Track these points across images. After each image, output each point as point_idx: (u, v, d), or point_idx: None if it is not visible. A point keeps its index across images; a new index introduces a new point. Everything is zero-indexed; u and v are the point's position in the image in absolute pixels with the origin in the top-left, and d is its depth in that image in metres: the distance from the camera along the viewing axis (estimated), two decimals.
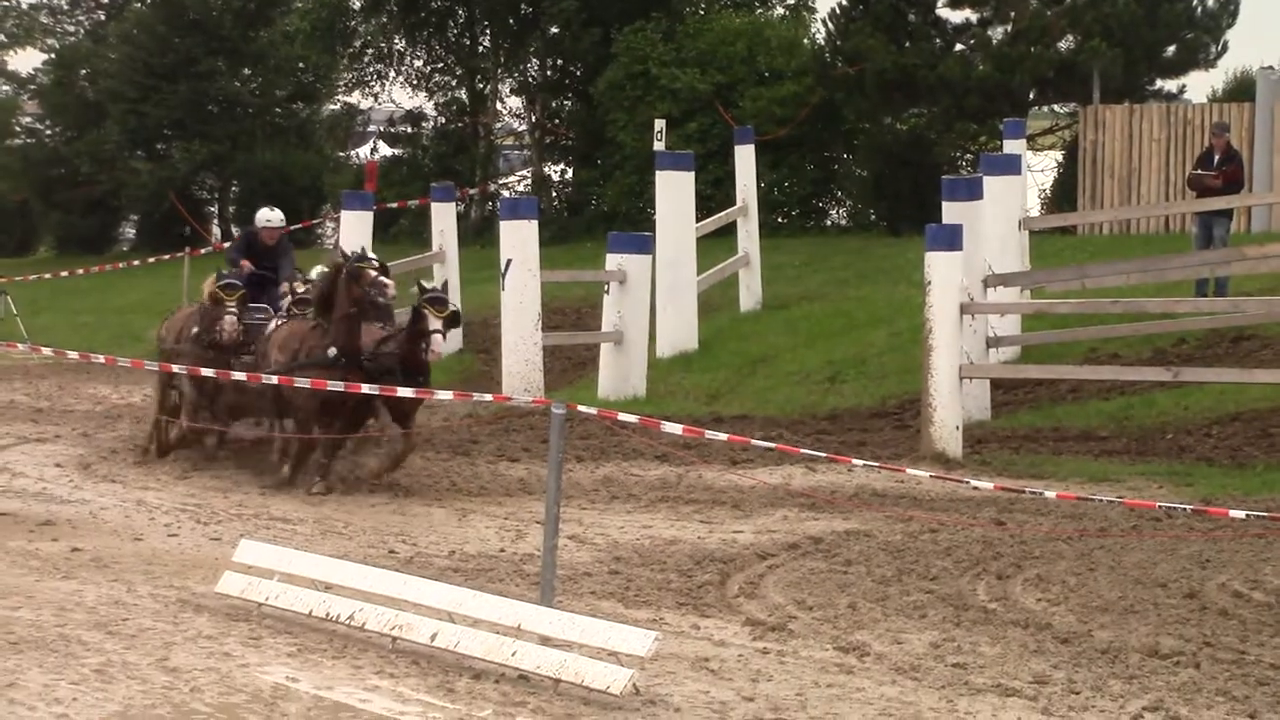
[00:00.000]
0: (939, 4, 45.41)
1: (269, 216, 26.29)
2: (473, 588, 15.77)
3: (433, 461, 24.79)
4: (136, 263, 47.17)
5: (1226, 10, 44.48)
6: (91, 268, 45.90)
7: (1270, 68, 40.59)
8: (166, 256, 43.71)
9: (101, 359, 25.83)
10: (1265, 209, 35.72)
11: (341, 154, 55.18)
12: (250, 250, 25.66)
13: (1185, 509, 17.77)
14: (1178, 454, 23.73)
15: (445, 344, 22.07)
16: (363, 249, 22.50)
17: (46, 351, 27.36)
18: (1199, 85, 45.16)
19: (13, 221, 56.45)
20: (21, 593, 16.74)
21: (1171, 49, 44.60)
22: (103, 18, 58.86)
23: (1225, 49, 44.76)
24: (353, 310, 20.56)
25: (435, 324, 20.70)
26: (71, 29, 59.92)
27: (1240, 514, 16.79)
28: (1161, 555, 19.03)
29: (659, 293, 31.28)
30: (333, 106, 56.19)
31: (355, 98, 55.35)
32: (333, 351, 20.33)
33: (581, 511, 20.50)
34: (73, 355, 26.13)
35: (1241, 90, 41.18)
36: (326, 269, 22.48)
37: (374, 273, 20.68)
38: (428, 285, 21.40)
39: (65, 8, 59.94)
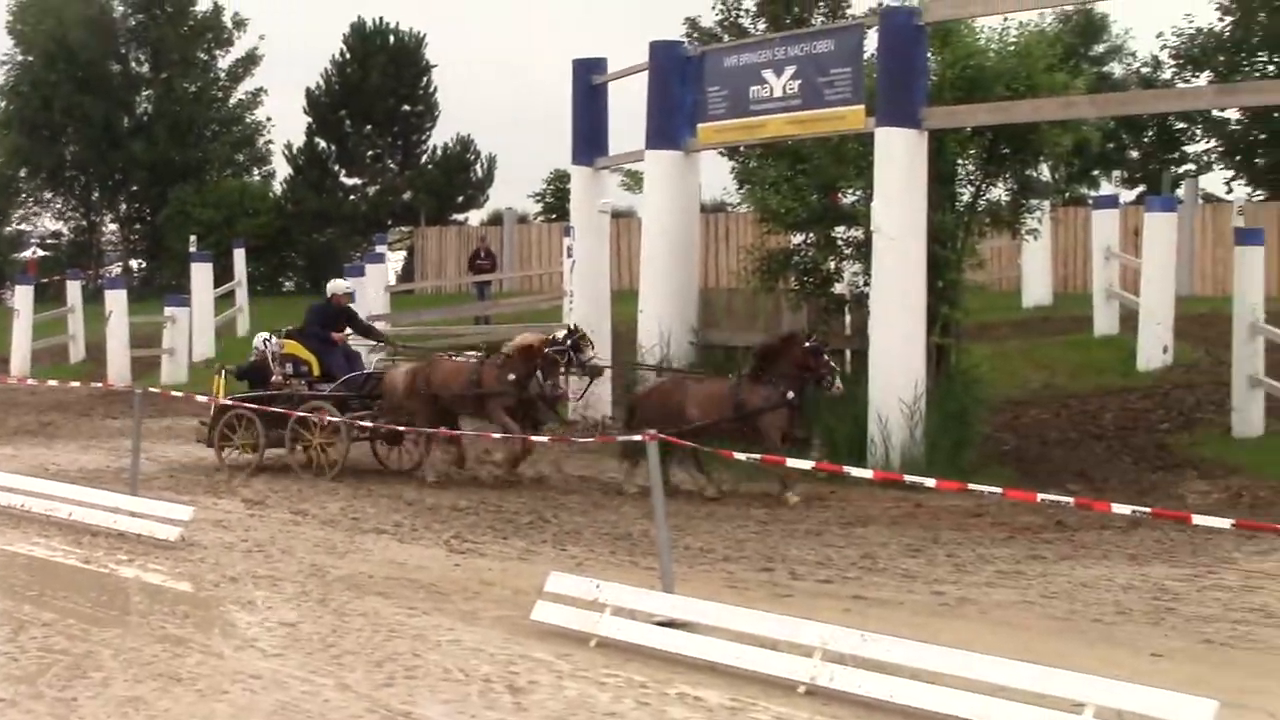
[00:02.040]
0: (341, 174, 44.96)
1: (347, 286, 20.22)
2: (92, 487, 15.19)
3: (69, 419, 23.83)
4: None
5: (490, 177, 44.93)
6: None
7: (510, 208, 41.00)
8: None
9: None
10: (513, 280, 36.14)
11: (15, 255, 52.44)
12: (331, 317, 18.91)
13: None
14: None
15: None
16: (819, 338, 16.57)
17: None
18: (475, 217, 45.16)
19: None
20: None
21: (461, 198, 44.84)
22: None
23: (488, 198, 45.25)
24: (804, 373, 16.13)
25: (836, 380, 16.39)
26: None
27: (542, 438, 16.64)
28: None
29: (195, 327, 30.58)
30: (10, 229, 53.41)
31: (24, 224, 52.92)
32: (791, 394, 16.08)
33: (153, 446, 19.79)
34: None
35: (496, 219, 41.51)
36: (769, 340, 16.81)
37: (826, 356, 16.33)
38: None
39: None
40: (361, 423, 17.79)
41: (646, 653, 9.31)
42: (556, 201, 40.64)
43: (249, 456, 18.06)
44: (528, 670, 9.01)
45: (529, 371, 16.94)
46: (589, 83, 22.31)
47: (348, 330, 19.07)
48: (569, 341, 17.15)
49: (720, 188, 38.90)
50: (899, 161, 17.18)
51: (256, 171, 48.92)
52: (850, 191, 19.42)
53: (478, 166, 45.05)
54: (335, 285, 19.78)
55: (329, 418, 17.51)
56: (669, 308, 19.95)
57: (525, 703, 8.38)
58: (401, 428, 17.02)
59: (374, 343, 20.06)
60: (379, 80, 43.85)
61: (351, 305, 20.19)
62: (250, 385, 18.75)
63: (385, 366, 19.08)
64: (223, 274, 34.02)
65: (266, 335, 19.12)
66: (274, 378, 18.48)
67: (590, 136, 22.40)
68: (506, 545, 13.41)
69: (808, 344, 16.21)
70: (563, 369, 17.20)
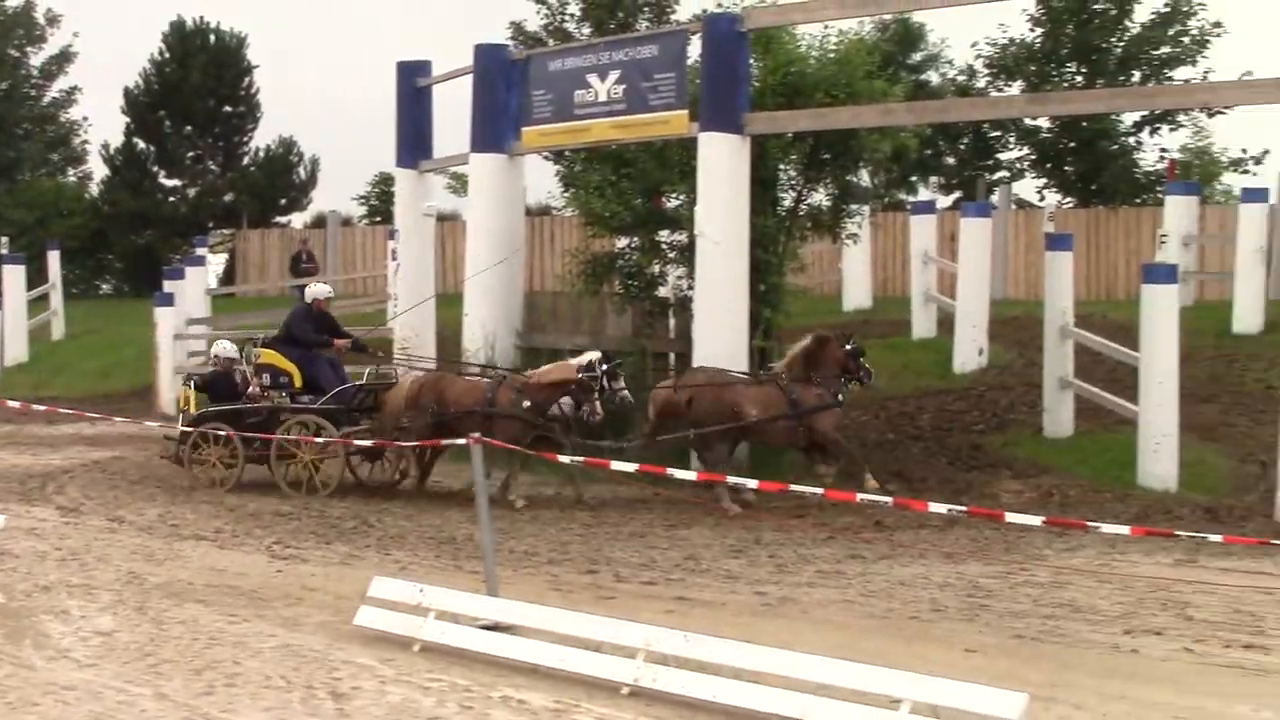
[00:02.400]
0: (160, 175, 43.98)
1: (328, 290, 18.43)
2: None
3: None
4: None
5: (313, 179, 44.26)
6: None
7: (334, 211, 40.39)
8: None
9: None
10: (336, 283, 35.41)
11: None
12: (314, 323, 17.59)
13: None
14: None
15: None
16: (857, 340, 16.63)
17: None
18: (298, 219, 44.29)
19: None
20: None
21: (284, 200, 44.16)
22: None
23: (311, 200, 44.57)
24: (844, 375, 16.08)
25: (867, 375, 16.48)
26: None
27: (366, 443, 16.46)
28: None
29: (7, 331, 29.82)
30: None
31: None
32: (841, 396, 16.03)
33: None
34: None
35: (320, 222, 40.83)
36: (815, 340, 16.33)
37: (864, 359, 16.30)
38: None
39: None
40: (359, 442, 16.38)
41: (471, 656, 9.28)
42: (381, 204, 40.22)
43: (226, 473, 16.89)
44: (350, 676, 8.92)
45: (548, 399, 16.10)
46: (413, 85, 22.22)
47: (347, 340, 17.72)
48: (604, 368, 16.21)
49: (545, 191, 38.80)
50: (722, 166, 17.34)
51: (72, 172, 47.65)
52: (674, 195, 19.55)
53: (301, 169, 44.40)
54: (317, 290, 18.20)
55: (323, 433, 16.34)
56: (494, 311, 19.91)
57: (348, 709, 8.30)
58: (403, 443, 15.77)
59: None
60: (199, 80, 43.05)
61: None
62: (211, 398, 17.46)
63: (380, 378, 17.63)
64: (36, 276, 33.08)
65: (227, 343, 17.99)
66: (251, 389, 17.21)
67: (415, 139, 22.33)
68: (329, 550, 13.28)
69: (849, 346, 16.29)
70: (597, 396, 16.06)
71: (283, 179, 44.12)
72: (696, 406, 16.02)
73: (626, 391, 16.52)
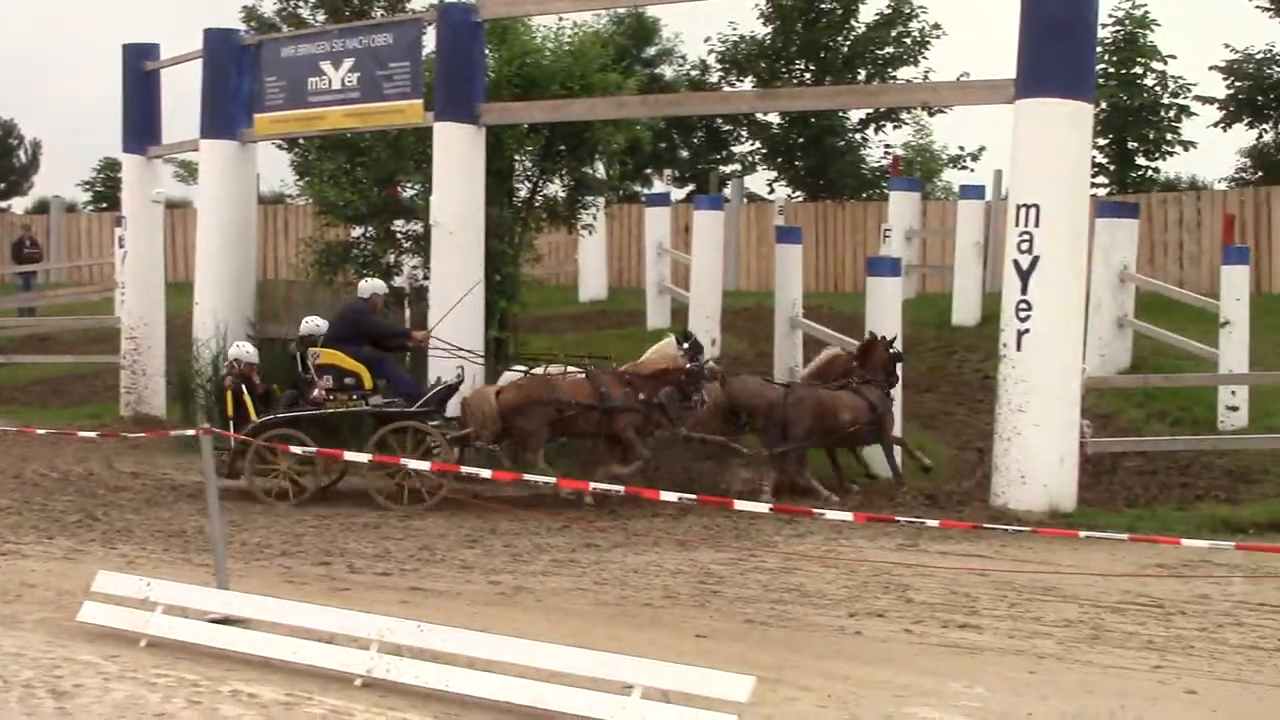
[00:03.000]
0: None
1: (384, 286, 16.86)
2: None
3: None
4: None
5: (34, 163, 42.67)
6: None
7: (58, 196, 38.94)
8: None
9: None
10: (61, 270, 34.26)
11: None
12: (373, 319, 16.21)
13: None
14: None
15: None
16: (897, 339, 16.56)
17: None
18: (19, 204, 42.67)
19: None
20: None
21: (3, 185, 42.46)
22: None
23: (33, 185, 42.97)
24: (885, 375, 16.14)
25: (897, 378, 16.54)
26: None
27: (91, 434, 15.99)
28: None
29: None
30: None
31: None
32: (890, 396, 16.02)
33: None
34: None
35: (43, 207, 39.28)
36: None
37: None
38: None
39: None
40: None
41: (200, 651, 9.09)
42: (107, 190, 38.99)
43: (302, 483, 15.39)
44: (73, 674, 8.65)
45: (656, 389, 15.62)
46: (141, 68, 21.69)
47: (426, 332, 16.47)
48: (688, 345, 15.86)
49: (279, 179, 38.10)
50: (457, 156, 17.32)
51: None
52: (409, 185, 19.45)
53: (21, 152, 42.89)
54: (375, 285, 16.52)
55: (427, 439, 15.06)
56: (225, 300, 19.56)
57: (70, 707, 8.04)
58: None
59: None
60: None
61: None
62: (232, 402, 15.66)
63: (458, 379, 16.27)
64: None
65: (247, 346, 16.28)
66: (315, 392, 15.58)
67: (142, 124, 21.82)
68: (51, 545, 12.85)
69: (892, 350, 16.40)
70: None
71: (2, 163, 42.53)
72: (798, 410, 15.93)
73: (712, 363, 16.57)
